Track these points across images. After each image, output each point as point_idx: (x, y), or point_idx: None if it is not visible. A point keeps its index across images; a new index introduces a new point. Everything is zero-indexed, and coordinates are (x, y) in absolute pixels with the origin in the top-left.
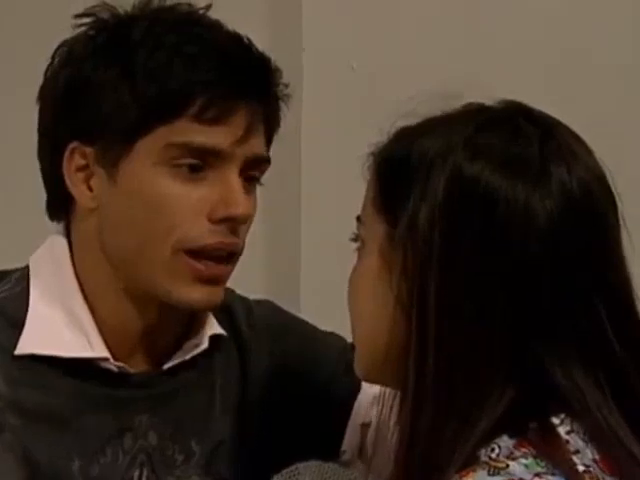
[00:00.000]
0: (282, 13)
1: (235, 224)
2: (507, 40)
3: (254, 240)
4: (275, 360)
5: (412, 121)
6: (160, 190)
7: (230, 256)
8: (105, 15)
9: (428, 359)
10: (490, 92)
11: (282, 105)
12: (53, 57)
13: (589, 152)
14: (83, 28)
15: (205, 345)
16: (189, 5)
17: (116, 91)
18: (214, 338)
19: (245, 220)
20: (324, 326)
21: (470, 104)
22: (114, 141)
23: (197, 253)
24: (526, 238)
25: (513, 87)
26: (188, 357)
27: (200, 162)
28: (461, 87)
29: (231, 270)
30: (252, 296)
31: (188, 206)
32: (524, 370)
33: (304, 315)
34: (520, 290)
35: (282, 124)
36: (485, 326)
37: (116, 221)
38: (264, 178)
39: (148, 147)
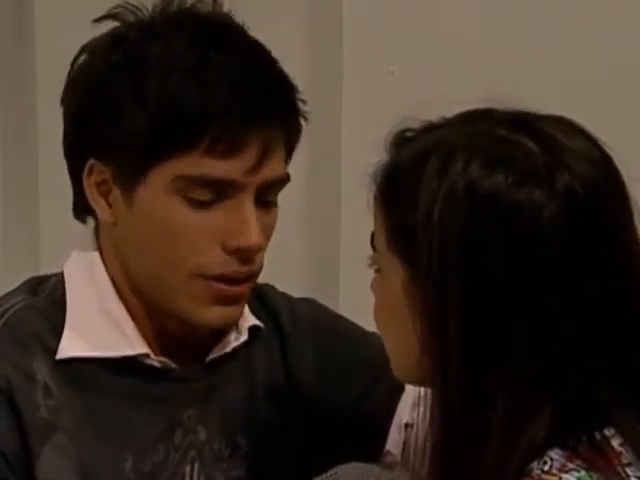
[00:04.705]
0: (322, 19)
1: (249, 254)
2: (549, 45)
3: (294, 239)
4: (317, 357)
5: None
6: (174, 219)
7: (246, 279)
8: (129, 17)
9: (452, 395)
10: (532, 99)
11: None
12: (74, 62)
13: (585, 138)
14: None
15: (245, 337)
16: (214, 2)
17: (129, 114)
18: (253, 330)
19: (258, 250)
20: (363, 325)
21: (468, 119)
22: (129, 165)
23: (213, 277)
24: (551, 251)
25: (554, 91)
26: (229, 349)
27: (212, 194)
28: (500, 92)
29: (249, 289)
30: (291, 294)
31: (202, 235)
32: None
33: (343, 314)
34: (549, 308)
35: (323, 128)
36: (514, 360)
37: (132, 242)
38: (306, 179)
39: (160, 176)
